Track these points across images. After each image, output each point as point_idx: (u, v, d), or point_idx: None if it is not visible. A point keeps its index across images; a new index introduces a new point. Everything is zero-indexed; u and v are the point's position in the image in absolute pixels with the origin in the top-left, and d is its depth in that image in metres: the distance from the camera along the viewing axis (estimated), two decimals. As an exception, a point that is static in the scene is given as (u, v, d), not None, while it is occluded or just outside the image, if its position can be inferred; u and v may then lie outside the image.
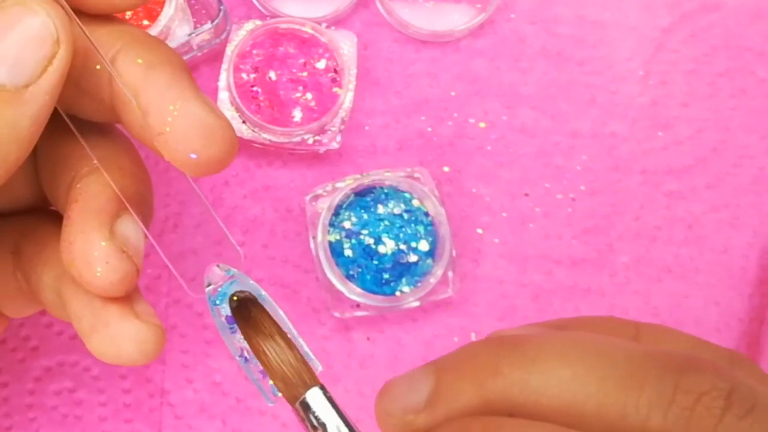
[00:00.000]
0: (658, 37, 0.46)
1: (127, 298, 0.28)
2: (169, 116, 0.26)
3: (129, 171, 0.29)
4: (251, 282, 0.28)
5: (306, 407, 0.27)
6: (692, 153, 0.45)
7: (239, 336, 0.28)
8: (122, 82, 0.26)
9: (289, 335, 0.28)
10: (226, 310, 0.28)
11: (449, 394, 0.23)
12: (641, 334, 0.26)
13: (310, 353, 0.28)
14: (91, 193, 0.28)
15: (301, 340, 0.28)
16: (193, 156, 0.26)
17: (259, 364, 0.27)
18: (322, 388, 0.27)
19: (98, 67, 0.27)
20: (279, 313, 0.28)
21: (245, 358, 0.28)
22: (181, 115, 0.26)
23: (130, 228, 0.28)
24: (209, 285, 0.28)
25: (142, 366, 0.41)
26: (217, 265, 0.28)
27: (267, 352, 0.27)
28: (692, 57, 0.46)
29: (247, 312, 0.28)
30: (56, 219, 0.29)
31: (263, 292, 0.28)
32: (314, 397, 0.27)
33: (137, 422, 0.41)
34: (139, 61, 0.27)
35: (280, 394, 0.27)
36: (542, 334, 0.24)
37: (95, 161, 0.28)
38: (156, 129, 0.26)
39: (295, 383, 0.27)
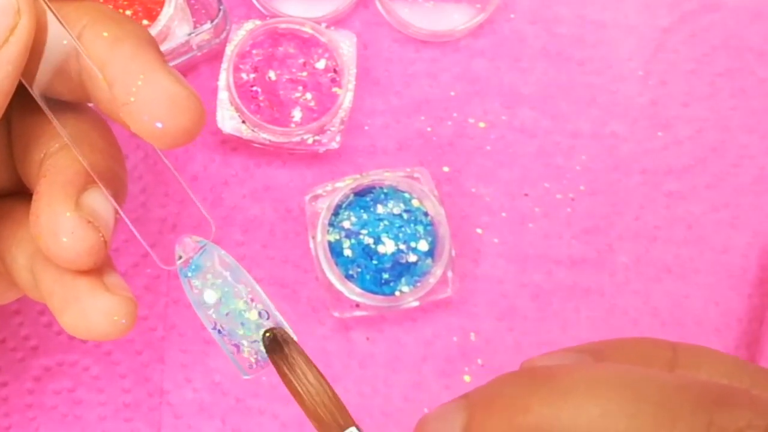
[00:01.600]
0: (658, 37, 0.46)
1: (97, 271, 0.28)
2: (133, 86, 0.26)
3: (99, 147, 0.29)
4: (223, 252, 0.28)
5: None
6: (692, 153, 0.45)
7: (212, 310, 0.27)
8: (88, 55, 0.27)
9: (263, 307, 0.28)
10: (199, 281, 0.28)
11: (481, 431, 0.23)
12: (678, 357, 0.25)
13: (285, 325, 0.28)
14: (59, 167, 0.28)
15: (276, 313, 0.28)
16: (159, 125, 0.26)
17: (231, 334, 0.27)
18: (358, 429, 0.27)
19: (65, 42, 0.27)
20: (253, 285, 0.28)
21: (218, 330, 0.28)
22: (145, 85, 0.26)
23: (98, 200, 0.28)
24: (180, 257, 0.28)
25: (142, 365, 0.41)
26: (188, 236, 0.28)
27: (300, 391, 0.27)
28: (692, 57, 0.46)
29: (279, 348, 0.28)
30: (30, 201, 0.29)
31: (235, 263, 0.28)
32: None
33: (137, 422, 0.41)
34: (105, 34, 0.27)
35: (254, 367, 0.28)
36: (573, 367, 0.23)
37: (65, 138, 0.28)
38: (121, 99, 0.26)
39: (329, 424, 0.27)
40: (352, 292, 0.40)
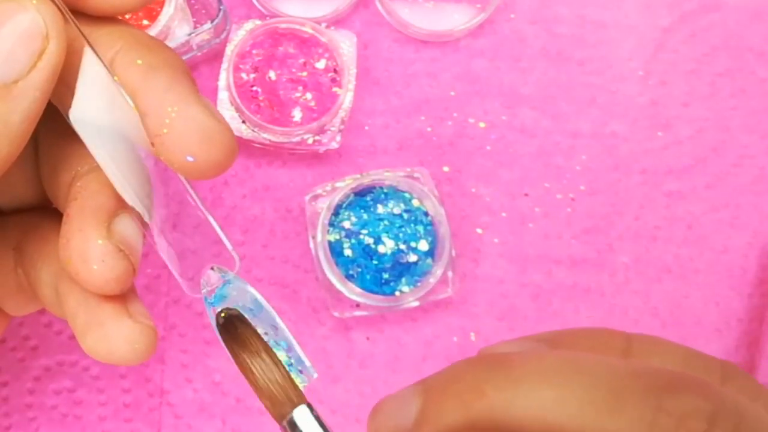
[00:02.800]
0: (658, 37, 0.46)
1: (121, 297, 0.28)
2: (167, 118, 0.25)
3: None
4: (248, 287, 0.28)
5: (293, 425, 0.27)
6: (692, 153, 0.45)
7: None
8: (120, 83, 0.26)
9: (285, 342, 0.27)
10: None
11: (435, 415, 0.23)
12: (632, 346, 0.25)
13: (306, 360, 0.27)
14: (89, 191, 0.28)
15: (297, 347, 0.27)
16: (190, 159, 0.26)
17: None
18: (309, 406, 0.27)
19: (98, 68, 0.27)
20: (275, 319, 0.28)
21: None
22: (179, 117, 0.25)
23: (128, 227, 0.28)
24: (205, 287, 0.28)
25: (142, 365, 0.41)
26: (212, 268, 0.28)
27: (253, 369, 0.27)
28: (692, 57, 0.46)
29: (233, 328, 0.27)
30: (57, 217, 0.29)
31: (259, 297, 0.28)
32: (301, 416, 0.27)
33: (137, 422, 0.41)
34: (139, 62, 0.26)
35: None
36: (528, 354, 0.24)
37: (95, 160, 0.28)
38: (153, 131, 0.26)
39: (281, 401, 0.27)
40: (352, 292, 0.40)
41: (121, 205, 0.28)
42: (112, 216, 0.27)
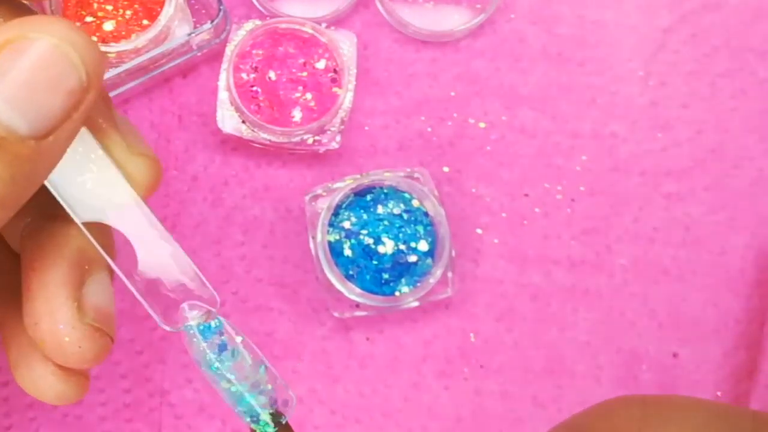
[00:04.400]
0: (658, 37, 0.46)
1: None
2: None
3: None
4: (224, 322, 0.27)
5: None
6: (691, 154, 0.45)
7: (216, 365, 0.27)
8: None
9: (262, 366, 0.27)
10: (199, 342, 0.27)
11: None
12: (649, 414, 0.25)
13: (283, 383, 0.27)
14: (50, 259, 0.25)
15: (274, 371, 0.27)
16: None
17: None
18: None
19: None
20: (252, 347, 0.27)
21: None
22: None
23: (100, 293, 0.26)
24: (183, 323, 0.27)
25: (142, 366, 0.41)
26: (187, 304, 0.27)
27: None
28: (693, 57, 0.46)
29: None
30: (9, 257, 0.28)
31: (239, 334, 0.27)
32: None
33: (137, 422, 0.41)
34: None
35: None
36: None
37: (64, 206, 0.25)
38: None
39: None
40: (352, 292, 0.40)
41: (86, 269, 0.26)
42: (80, 287, 0.25)
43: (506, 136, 0.45)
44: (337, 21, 0.45)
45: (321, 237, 0.40)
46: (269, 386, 0.27)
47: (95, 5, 0.42)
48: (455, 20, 0.45)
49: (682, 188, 0.45)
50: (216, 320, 0.27)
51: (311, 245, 0.41)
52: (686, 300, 0.44)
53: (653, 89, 0.46)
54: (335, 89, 0.43)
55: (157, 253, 0.26)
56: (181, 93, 0.44)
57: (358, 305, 0.41)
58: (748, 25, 0.47)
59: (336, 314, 0.41)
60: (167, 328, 0.26)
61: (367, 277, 0.41)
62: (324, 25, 0.43)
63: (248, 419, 0.27)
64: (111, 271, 0.26)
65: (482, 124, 0.45)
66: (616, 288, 0.43)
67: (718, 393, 0.43)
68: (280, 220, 0.43)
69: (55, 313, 0.25)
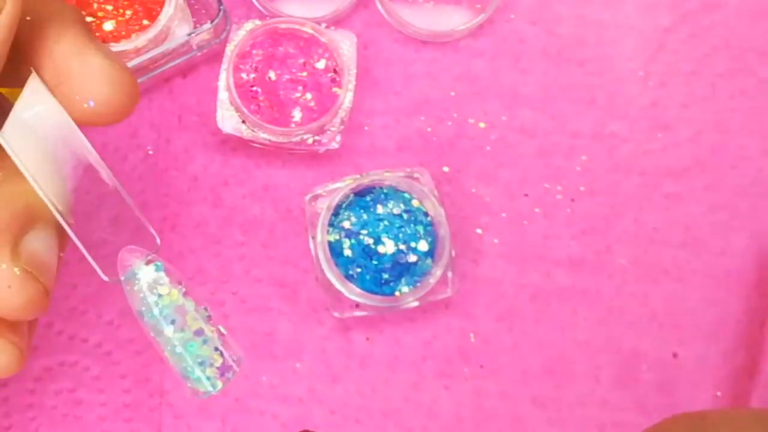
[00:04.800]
0: (658, 37, 0.46)
1: None
2: (61, 66, 0.25)
3: None
4: (164, 266, 0.27)
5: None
6: (691, 154, 0.45)
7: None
8: (13, 41, 0.25)
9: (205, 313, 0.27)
10: (139, 289, 0.27)
11: None
12: (706, 428, 0.25)
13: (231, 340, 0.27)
14: None
15: (220, 328, 0.27)
16: (91, 104, 0.25)
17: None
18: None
19: None
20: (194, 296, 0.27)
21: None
22: (75, 63, 0.25)
23: (41, 244, 0.26)
24: (122, 271, 0.27)
25: (142, 366, 0.41)
26: (126, 250, 0.27)
27: None
28: (693, 57, 0.46)
29: None
30: None
31: (169, 269, 0.27)
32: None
33: (137, 422, 0.41)
34: (28, 18, 0.26)
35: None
36: None
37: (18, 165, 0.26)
38: (50, 83, 0.25)
39: None
40: (352, 292, 0.40)
41: (32, 220, 0.26)
42: (19, 236, 0.26)
43: (506, 136, 0.45)
44: (337, 21, 0.45)
45: (321, 237, 0.40)
46: (213, 335, 0.27)
47: (95, 5, 0.42)
48: (455, 20, 0.45)
49: (681, 188, 0.45)
50: (155, 264, 0.27)
51: (311, 245, 0.41)
52: (686, 300, 0.44)
53: (653, 89, 0.46)
54: (335, 89, 0.43)
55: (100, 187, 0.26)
56: (181, 93, 0.44)
57: (358, 305, 0.41)
58: (748, 25, 0.47)
59: (336, 314, 0.41)
60: (106, 279, 0.27)
61: (367, 277, 0.41)
62: (324, 25, 0.43)
63: (186, 374, 0.27)
64: (59, 229, 0.27)
65: (482, 124, 0.45)
66: (616, 288, 0.43)
67: (718, 393, 0.43)
68: (280, 220, 0.43)
69: None
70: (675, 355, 0.43)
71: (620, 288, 0.43)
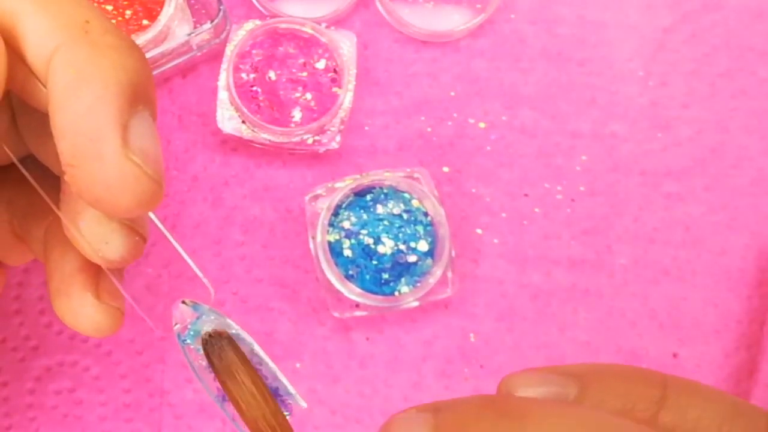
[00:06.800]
0: (658, 37, 0.46)
1: (95, 273, 0.27)
2: (78, 149, 0.23)
3: None
4: (226, 319, 0.26)
5: None
6: (691, 154, 0.45)
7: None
8: (48, 90, 0.23)
9: (268, 374, 0.26)
10: (197, 348, 0.26)
11: None
12: (668, 396, 0.24)
13: (291, 389, 0.26)
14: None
15: (281, 377, 0.26)
16: (98, 200, 0.24)
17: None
18: None
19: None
20: (255, 350, 0.26)
21: (223, 397, 0.26)
22: (90, 153, 0.23)
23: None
24: (176, 324, 0.27)
25: (142, 366, 0.41)
26: (183, 302, 0.26)
27: (241, 403, 0.26)
28: (693, 57, 0.46)
29: (220, 352, 0.26)
30: (46, 172, 0.28)
31: (237, 328, 0.26)
32: None
33: (137, 422, 0.41)
34: (72, 71, 0.23)
35: None
36: (547, 407, 0.22)
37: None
38: (65, 159, 0.23)
39: None
40: (351, 292, 0.40)
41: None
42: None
43: (506, 136, 0.45)
44: (337, 21, 0.45)
45: (321, 237, 0.40)
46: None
47: (95, 5, 0.42)
48: (455, 20, 0.45)
49: (682, 188, 0.45)
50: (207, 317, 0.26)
51: (311, 245, 0.41)
52: (686, 300, 0.44)
53: (653, 89, 0.46)
54: (335, 89, 0.43)
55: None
56: (180, 93, 0.44)
57: (358, 305, 0.41)
58: (748, 25, 0.47)
59: (336, 314, 0.41)
60: (162, 333, 0.27)
61: (367, 277, 0.41)
62: (324, 25, 0.43)
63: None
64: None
65: (482, 124, 0.45)
66: (616, 288, 0.43)
67: (718, 393, 0.43)
68: (280, 220, 0.43)
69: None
70: (675, 355, 0.43)
71: (620, 288, 0.43)
